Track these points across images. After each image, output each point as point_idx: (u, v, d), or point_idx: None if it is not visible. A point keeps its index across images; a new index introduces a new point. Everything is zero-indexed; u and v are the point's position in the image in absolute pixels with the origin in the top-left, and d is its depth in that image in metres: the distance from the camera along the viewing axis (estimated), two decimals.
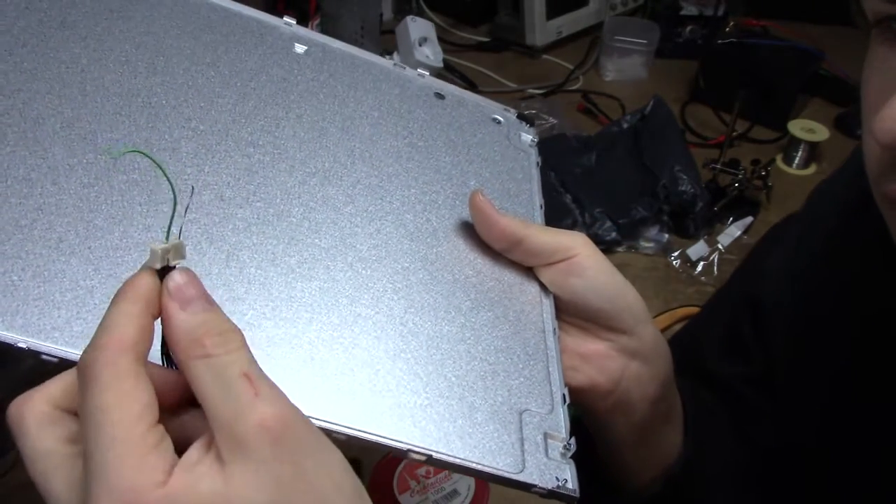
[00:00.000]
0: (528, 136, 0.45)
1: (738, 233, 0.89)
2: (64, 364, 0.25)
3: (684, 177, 0.87)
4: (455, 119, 0.43)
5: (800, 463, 0.43)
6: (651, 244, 0.87)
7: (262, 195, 0.33)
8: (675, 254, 0.86)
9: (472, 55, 1.21)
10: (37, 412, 0.22)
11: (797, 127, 1.01)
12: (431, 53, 1.03)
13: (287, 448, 0.21)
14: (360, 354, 0.30)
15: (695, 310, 0.78)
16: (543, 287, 0.37)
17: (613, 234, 0.85)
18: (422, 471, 0.57)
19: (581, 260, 0.35)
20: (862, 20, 0.29)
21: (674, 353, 0.39)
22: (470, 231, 0.37)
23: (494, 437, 0.30)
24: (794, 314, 0.43)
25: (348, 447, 0.25)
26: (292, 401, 0.22)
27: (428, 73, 0.45)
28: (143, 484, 0.20)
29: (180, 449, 0.22)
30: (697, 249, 0.86)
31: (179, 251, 0.23)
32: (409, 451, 0.28)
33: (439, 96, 0.44)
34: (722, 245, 0.87)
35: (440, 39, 1.09)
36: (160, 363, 0.24)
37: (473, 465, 0.28)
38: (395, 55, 1.03)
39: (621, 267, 0.36)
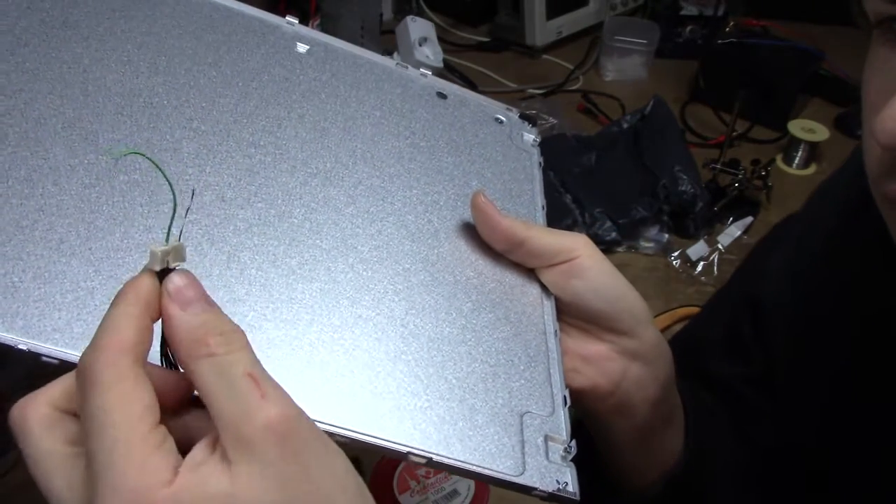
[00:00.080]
0: (530, 136, 0.45)
1: (738, 233, 0.89)
2: (64, 366, 0.25)
3: (684, 177, 0.87)
4: (457, 119, 0.43)
5: (800, 463, 0.43)
6: (651, 244, 0.87)
7: (264, 196, 0.33)
8: (675, 254, 0.86)
9: (472, 55, 1.21)
10: (39, 414, 0.22)
11: (797, 127, 1.01)
12: (431, 53, 1.03)
13: (293, 449, 0.21)
14: (360, 356, 0.30)
15: (695, 310, 0.78)
16: (545, 288, 0.37)
17: (613, 234, 0.85)
18: (422, 471, 0.57)
19: (582, 261, 0.35)
20: (863, 21, 0.29)
21: (674, 353, 0.39)
22: (471, 232, 0.37)
23: (495, 439, 0.29)
24: (794, 314, 0.43)
25: (348, 448, 0.25)
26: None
27: (430, 73, 0.44)
28: (148, 484, 0.20)
29: (183, 450, 0.22)
30: (697, 249, 0.86)
31: (179, 253, 0.23)
32: (409, 453, 0.28)
33: (441, 96, 0.44)
34: (722, 245, 0.87)
35: (440, 39, 1.09)
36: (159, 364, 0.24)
37: (473, 468, 0.28)
38: (396, 55, 1.03)
39: (621, 267, 0.36)
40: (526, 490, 0.29)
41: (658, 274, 0.85)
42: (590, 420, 0.39)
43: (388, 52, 1.01)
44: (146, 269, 0.23)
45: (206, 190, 0.32)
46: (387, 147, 0.39)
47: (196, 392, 0.24)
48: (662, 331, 0.39)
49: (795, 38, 1.12)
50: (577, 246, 0.35)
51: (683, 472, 0.40)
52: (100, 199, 0.29)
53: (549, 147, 0.91)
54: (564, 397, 0.33)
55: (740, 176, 0.92)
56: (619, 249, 0.87)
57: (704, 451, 0.41)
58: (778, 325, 0.44)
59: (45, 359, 0.25)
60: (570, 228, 0.84)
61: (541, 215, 0.41)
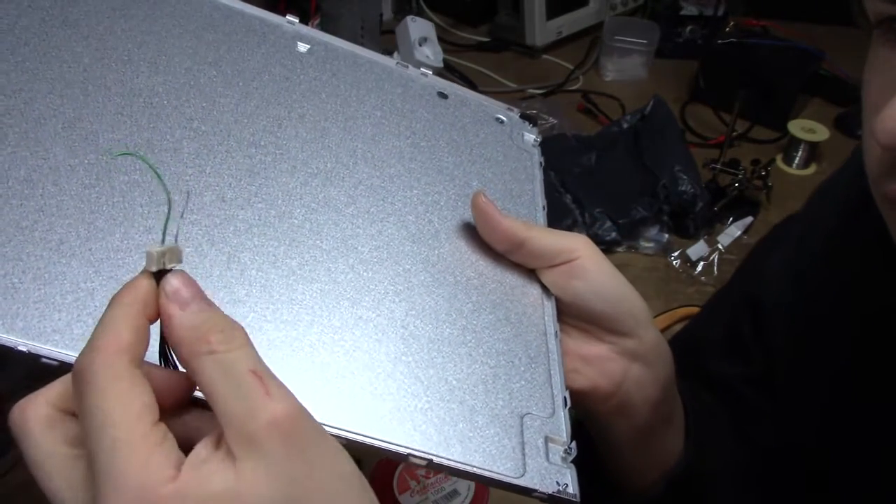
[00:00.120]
0: (530, 136, 0.45)
1: (738, 233, 0.89)
2: (64, 367, 0.25)
3: (684, 177, 0.87)
4: (458, 119, 0.43)
5: (800, 463, 0.43)
6: (651, 244, 0.87)
7: (264, 196, 0.33)
8: (675, 254, 0.86)
9: (472, 55, 1.21)
10: (39, 415, 0.22)
11: (797, 127, 1.01)
12: (431, 53, 1.03)
13: (298, 446, 0.21)
14: (360, 357, 0.30)
15: (695, 310, 0.78)
16: (545, 289, 0.37)
17: (613, 234, 0.85)
18: (422, 471, 0.57)
19: (583, 262, 0.35)
20: (863, 21, 0.28)
21: (674, 353, 0.39)
22: (472, 232, 0.37)
23: (495, 441, 0.29)
24: (794, 314, 0.43)
25: (349, 450, 0.25)
26: None
27: (431, 73, 0.44)
28: (151, 481, 0.20)
29: (183, 451, 0.22)
30: (697, 249, 0.86)
31: (176, 254, 0.23)
32: (409, 455, 0.28)
33: (442, 96, 0.44)
34: (722, 245, 0.87)
35: (440, 39, 1.09)
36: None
37: (474, 470, 0.28)
38: (396, 55, 1.03)
39: (621, 267, 0.36)
40: (526, 492, 0.29)
41: (658, 274, 0.85)
42: (590, 421, 0.39)
43: (388, 52, 1.01)
44: (143, 271, 0.23)
45: (207, 190, 0.32)
46: (387, 147, 0.39)
47: (198, 390, 0.24)
48: (662, 331, 0.39)
49: (795, 38, 1.12)
50: (577, 247, 0.35)
51: (684, 472, 0.40)
52: (100, 199, 0.29)
53: (549, 147, 0.91)
54: (565, 398, 0.33)
55: (740, 176, 0.92)
56: (619, 249, 0.87)
57: (705, 451, 0.41)
58: (778, 325, 0.44)
59: (45, 360, 0.25)
60: (570, 228, 0.84)
61: (541, 215, 0.41)
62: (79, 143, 0.30)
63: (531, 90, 1.13)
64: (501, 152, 0.43)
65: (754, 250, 0.51)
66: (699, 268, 0.85)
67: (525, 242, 0.35)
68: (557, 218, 0.84)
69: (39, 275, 0.26)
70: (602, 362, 0.36)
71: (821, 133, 1.00)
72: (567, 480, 0.30)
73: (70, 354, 0.25)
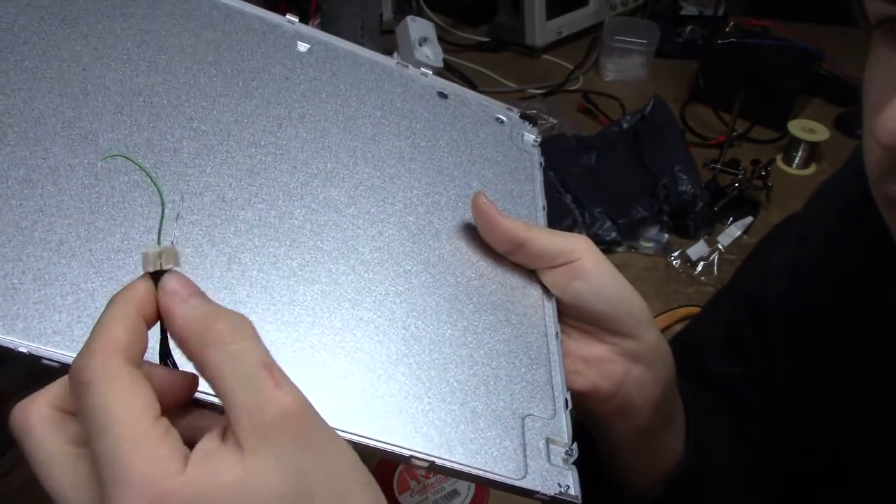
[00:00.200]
0: (530, 136, 0.45)
1: (738, 233, 0.89)
2: (65, 368, 0.24)
3: (684, 177, 0.87)
4: (458, 119, 0.43)
5: (800, 463, 0.43)
6: (651, 244, 0.87)
7: (265, 196, 0.33)
8: (675, 254, 0.86)
9: (472, 55, 1.21)
10: (41, 415, 0.22)
11: (797, 127, 1.01)
12: (431, 53, 1.03)
13: (307, 439, 0.21)
14: (362, 359, 0.30)
15: (695, 310, 0.78)
16: (546, 290, 0.37)
17: (613, 234, 0.85)
18: (422, 471, 0.57)
19: (584, 263, 0.35)
20: (864, 21, 0.28)
21: (674, 353, 0.39)
22: (472, 233, 0.37)
23: (496, 442, 0.29)
24: (794, 314, 0.43)
25: None
26: None
27: (431, 73, 0.44)
28: (158, 474, 0.20)
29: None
30: (697, 249, 0.86)
31: (172, 255, 0.23)
32: (411, 457, 0.28)
33: (442, 95, 0.44)
34: (722, 245, 0.87)
35: (440, 39, 1.09)
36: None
37: (476, 472, 0.28)
38: (396, 55, 1.03)
39: (621, 267, 0.36)
40: (528, 494, 0.29)
41: (658, 274, 0.85)
42: (591, 422, 0.39)
43: (388, 52, 1.00)
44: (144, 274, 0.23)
45: (207, 190, 0.32)
46: (387, 147, 0.39)
47: (199, 392, 0.24)
48: (662, 331, 0.39)
49: (795, 38, 1.12)
50: (578, 247, 0.35)
51: (684, 472, 0.40)
52: (100, 199, 0.29)
53: (549, 147, 0.91)
54: (566, 400, 0.33)
55: (740, 176, 0.92)
56: (619, 249, 0.86)
57: (705, 451, 0.41)
58: (778, 325, 0.44)
59: (45, 362, 0.25)
60: (570, 229, 0.84)
61: (541, 216, 0.41)
62: (78, 142, 0.30)
63: (531, 90, 1.13)
64: (501, 152, 0.43)
65: (755, 250, 0.51)
66: (699, 268, 0.85)
67: (525, 243, 0.35)
68: (557, 218, 0.84)
69: (39, 275, 0.26)
70: (603, 363, 0.36)
71: (821, 133, 1.00)
72: (568, 482, 0.30)
73: (71, 356, 0.25)
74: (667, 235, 0.87)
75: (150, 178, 0.24)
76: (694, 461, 0.40)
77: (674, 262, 0.86)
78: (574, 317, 0.37)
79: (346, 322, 0.30)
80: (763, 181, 0.92)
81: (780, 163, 1.03)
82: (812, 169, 1.03)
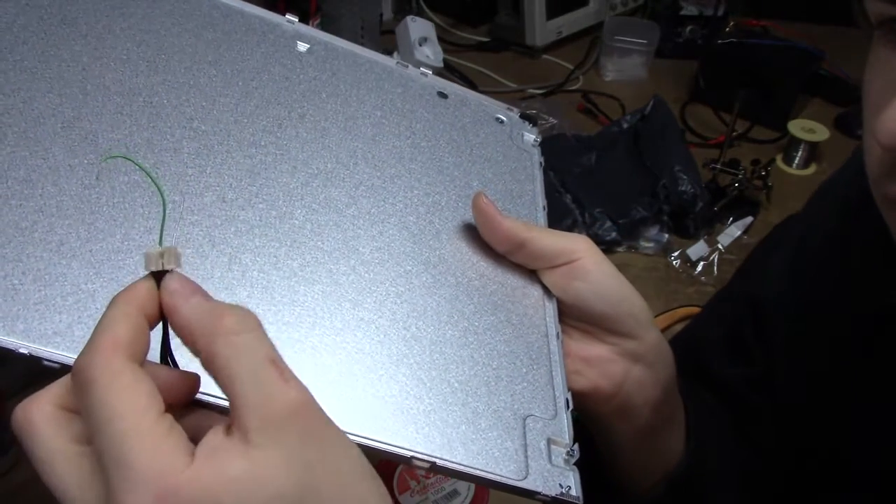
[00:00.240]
0: (530, 136, 0.45)
1: (738, 233, 0.89)
2: (66, 369, 0.24)
3: (684, 177, 0.87)
4: (458, 119, 0.43)
5: (800, 463, 0.43)
6: (651, 244, 0.87)
7: (265, 197, 0.33)
8: (675, 254, 0.86)
9: (472, 55, 1.21)
10: (44, 413, 0.22)
11: (797, 127, 1.01)
12: (431, 53, 1.03)
13: (313, 433, 0.21)
14: (362, 359, 0.30)
15: (695, 310, 0.78)
16: (546, 290, 0.37)
17: (613, 234, 0.85)
18: (422, 471, 0.57)
19: (584, 263, 0.35)
20: (864, 22, 0.28)
21: (674, 353, 0.39)
22: (473, 233, 0.37)
23: (498, 443, 0.29)
24: (794, 314, 0.43)
25: None
26: None
27: (431, 73, 0.44)
28: (165, 469, 0.20)
29: None
30: (697, 249, 0.86)
31: (174, 256, 0.23)
32: (412, 458, 0.28)
33: (442, 95, 0.44)
34: (722, 245, 0.87)
35: (440, 39, 1.09)
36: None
37: (477, 473, 0.28)
38: (396, 55, 1.03)
39: (621, 267, 0.36)
40: (529, 494, 0.29)
41: (658, 274, 0.85)
42: (591, 422, 0.39)
43: (388, 52, 1.01)
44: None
45: (207, 191, 0.32)
46: (388, 147, 0.39)
47: (200, 392, 0.24)
48: (662, 331, 0.39)
49: (795, 38, 1.12)
50: (578, 247, 0.35)
51: (684, 472, 0.40)
52: (100, 199, 0.29)
53: (549, 147, 0.91)
54: (567, 400, 0.33)
55: (740, 176, 0.92)
56: (619, 249, 0.86)
57: (705, 451, 0.41)
58: (778, 325, 0.44)
59: (46, 363, 0.25)
60: (570, 229, 0.84)
61: (542, 216, 0.41)
62: (78, 142, 0.30)
63: (531, 90, 1.13)
64: (501, 152, 0.43)
65: (755, 250, 0.51)
66: (699, 268, 0.85)
67: (526, 243, 0.35)
68: (557, 218, 0.84)
69: (40, 276, 0.26)
70: (603, 363, 0.36)
71: (821, 133, 1.00)
72: (570, 483, 0.30)
73: (71, 357, 0.25)
74: (667, 235, 0.87)
75: (151, 178, 0.24)
76: (694, 461, 0.40)
77: (674, 262, 0.86)
78: (574, 317, 0.37)
79: (347, 322, 0.30)
80: (763, 181, 0.92)
81: (780, 163, 1.03)
82: (812, 169, 1.03)
